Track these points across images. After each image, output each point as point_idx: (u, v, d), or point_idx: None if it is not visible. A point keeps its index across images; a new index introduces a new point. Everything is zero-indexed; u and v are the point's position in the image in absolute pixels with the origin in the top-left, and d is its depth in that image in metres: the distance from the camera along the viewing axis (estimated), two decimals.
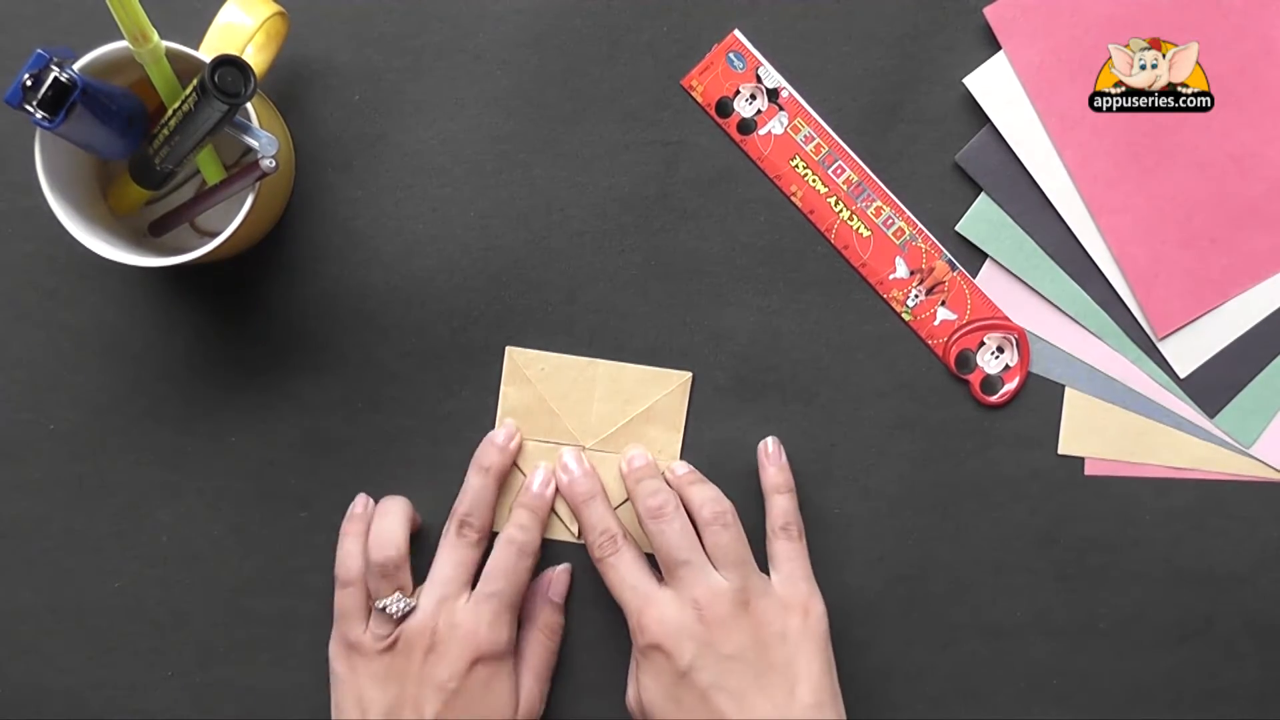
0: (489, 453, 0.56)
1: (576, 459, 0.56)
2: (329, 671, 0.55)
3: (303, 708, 0.57)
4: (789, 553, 0.54)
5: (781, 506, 0.55)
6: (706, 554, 0.53)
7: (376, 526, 0.54)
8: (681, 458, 0.57)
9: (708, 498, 0.54)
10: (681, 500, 0.55)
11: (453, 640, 0.52)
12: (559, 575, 0.57)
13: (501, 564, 0.54)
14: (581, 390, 0.57)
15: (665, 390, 0.57)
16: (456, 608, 0.53)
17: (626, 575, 0.53)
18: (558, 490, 0.56)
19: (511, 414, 0.57)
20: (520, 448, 0.57)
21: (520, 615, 0.55)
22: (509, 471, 0.56)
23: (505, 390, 0.57)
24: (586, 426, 0.57)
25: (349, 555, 0.55)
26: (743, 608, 0.51)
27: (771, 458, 0.56)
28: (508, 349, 0.57)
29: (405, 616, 0.53)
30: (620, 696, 0.56)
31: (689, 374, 0.57)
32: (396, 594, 0.53)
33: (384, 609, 0.53)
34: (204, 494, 0.58)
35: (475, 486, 0.55)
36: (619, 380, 0.57)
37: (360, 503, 0.57)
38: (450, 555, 0.54)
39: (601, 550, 0.54)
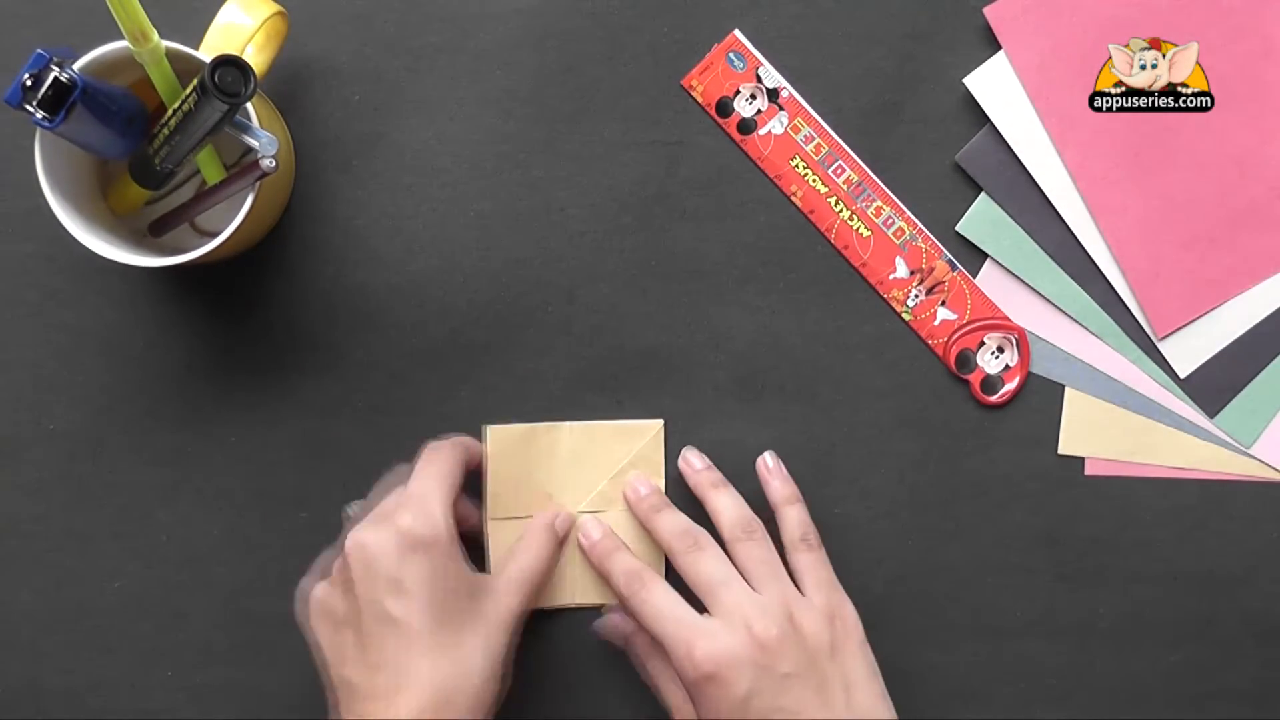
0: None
1: (595, 524, 0.56)
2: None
3: (303, 708, 0.57)
4: (812, 562, 0.52)
5: (795, 518, 0.54)
6: (738, 569, 0.52)
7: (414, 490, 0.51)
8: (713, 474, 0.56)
9: (735, 512, 0.53)
10: (702, 500, 0.54)
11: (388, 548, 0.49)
12: (564, 517, 0.56)
13: (435, 459, 0.52)
14: (559, 455, 0.57)
15: (641, 441, 0.57)
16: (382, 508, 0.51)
17: (663, 608, 0.51)
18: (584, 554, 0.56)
19: (500, 492, 0.56)
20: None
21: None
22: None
23: (492, 468, 0.56)
24: (570, 491, 0.57)
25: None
26: (789, 623, 0.49)
27: (773, 472, 0.55)
28: (488, 429, 0.56)
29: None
30: (620, 696, 0.56)
31: (660, 422, 0.57)
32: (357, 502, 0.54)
33: (345, 512, 0.54)
34: (204, 494, 0.58)
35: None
36: (593, 439, 0.57)
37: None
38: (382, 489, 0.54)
39: (630, 589, 0.52)
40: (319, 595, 0.51)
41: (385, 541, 0.49)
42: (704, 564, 0.51)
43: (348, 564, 0.50)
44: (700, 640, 0.49)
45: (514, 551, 0.54)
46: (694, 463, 0.56)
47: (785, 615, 0.50)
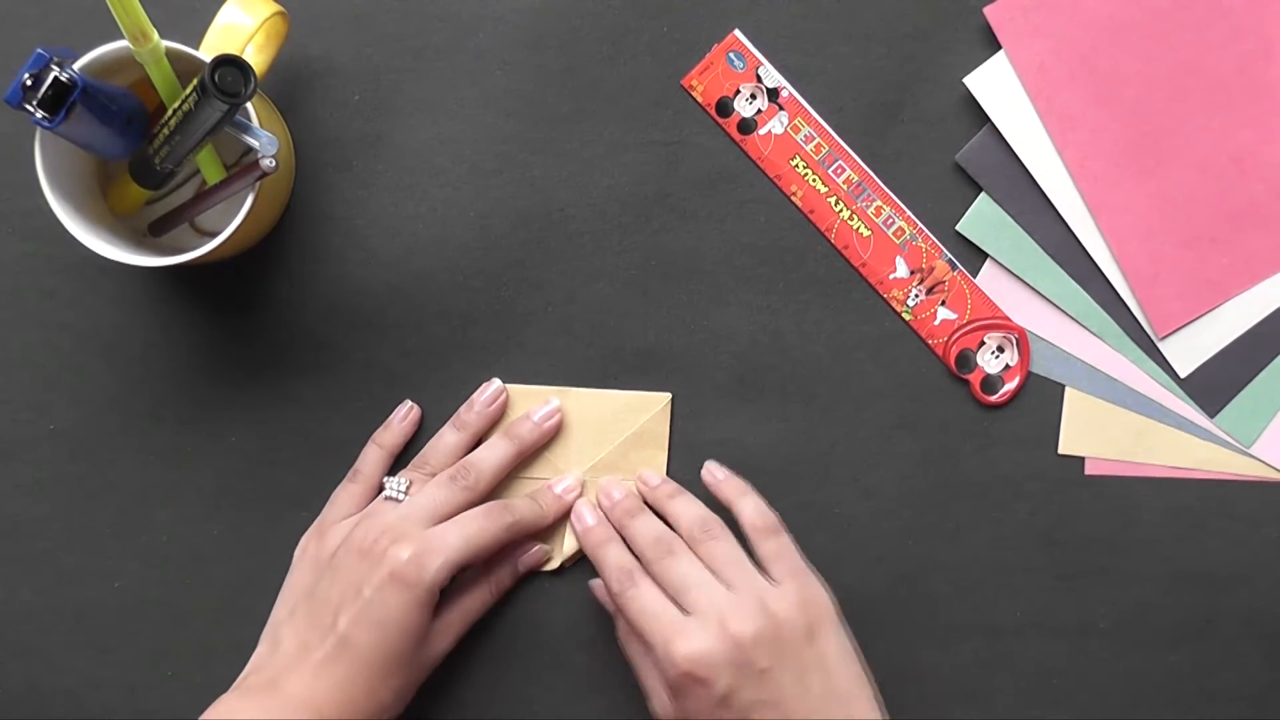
0: (465, 415, 0.57)
1: (591, 510, 0.56)
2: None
3: None
4: (777, 549, 0.53)
5: (751, 508, 0.54)
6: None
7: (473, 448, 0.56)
8: (680, 459, 0.57)
9: (693, 513, 0.54)
10: (661, 514, 0.55)
11: (387, 557, 0.52)
12: (535, 552, 0.57)
13: (479, 518, 0.53)
14: (565, 420, 0.57)
15: (649, 413, 0.57)
16: (407, 528, 0.52)
17: (647, 606, 0.51)
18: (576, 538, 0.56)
19: None
20: (504, 409, 0.57)
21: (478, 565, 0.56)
22: (484, 431, 0.57)
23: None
24: (574, 456, 0.57)
25: (370, 458, 0.57)
26: (764, 614, 0.50)
27: (717, 473, 0.56)
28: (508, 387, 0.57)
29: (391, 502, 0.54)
30: (620, 696, 0.56)
31: (669, 395, 0.57)
32: (399, 481, 0.55)
33: (383, 488, 0.55)
34: (204, 494, 0.58)
35: (448, 441, 0.56)
36: (600, 407, 0.57)
37: (402, 414, 0.57)
38: (435, 490, 0.54)
39: (620, 585, 0.52)
40: (321, 545, 0.54)
41: (381, 560, 0.51)
42: (680, 568, 0.52)
43: (353, 543, 0.52)
44: (678, 640, 0.49)
45: (457, 586, 0.55)
46: (649, 480, 0.56)
47: (759, 609, 0.50)
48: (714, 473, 0.56)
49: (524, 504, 0.55)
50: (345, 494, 0.56)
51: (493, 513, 0.54)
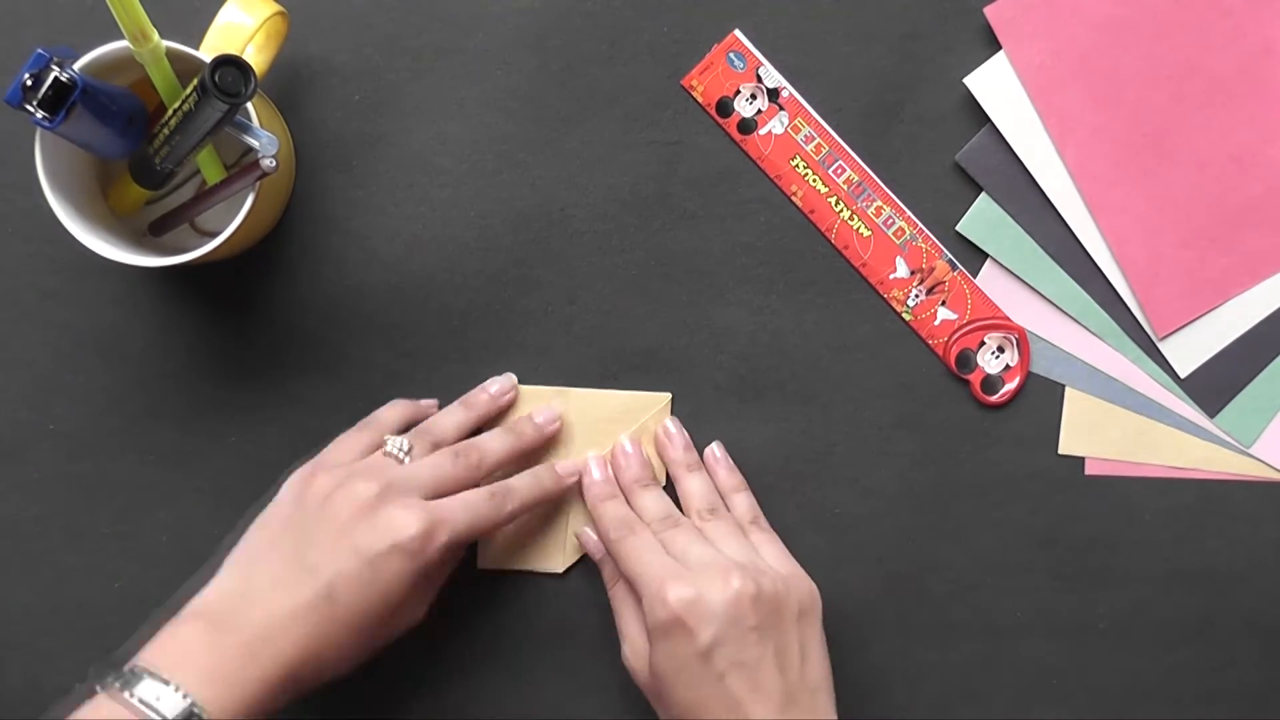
0: (478, 398, 0.56)
1: (601, 466, 0.56)
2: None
3: (303, 707, 0.57)
4: (767, 540, 0.54)
5: (744, 504, 0.55)
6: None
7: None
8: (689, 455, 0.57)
9: (704, 493, 0.55)
10: (675, 480, 0.56)
11: (385, 523, 0.50)
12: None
13: (485, 501, 0.52)
14: (565, 420, 0.57)
15: (649, 413, 0.57)
16: (408, 494, 0.51)
17: (645, 554, 0.51)
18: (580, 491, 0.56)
19: None
20: (513, 402, 0.57)
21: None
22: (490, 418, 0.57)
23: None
24: (574, 456, 0.57)
25: (387, 416, 0.56)
26: (763, 579, 0.50)
27: (719, 461, 0.56)
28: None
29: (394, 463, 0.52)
30: (620, 696, 0.56)
31: (669, 395, 0.57)
32: (402, 440, 0.53)
33: (384, 443, 0.53)
34: (204, 494, 0.58)
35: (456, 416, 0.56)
36: (600, 407, 0.57)
37: (431, 402, 0.57)
38: (440, 461, 0.53)
39: (618, 533, 0.52)
40: (313, 484, 0.51)
41: (383, 525, 0.49)
42: (680, 537, 0.52)
43: (351, 494, 0.50)
44: (674, 581, 0.49)
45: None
46: (670, 430, 0.57)
47: (758, 573, 0.50)
48: (715, 455, 0.56)
49: (524, 487, 0.54)
50: (352, 440, 0.54)
51: (497, 497, 0.53)
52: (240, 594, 0.49)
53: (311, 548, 0.49)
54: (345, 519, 0.49)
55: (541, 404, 0.57)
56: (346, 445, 0.54)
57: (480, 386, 0.57)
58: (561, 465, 0.56)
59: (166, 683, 0.45)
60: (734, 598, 0.48)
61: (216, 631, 0.47)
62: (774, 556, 0.53)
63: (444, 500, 0.51)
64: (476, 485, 0.53)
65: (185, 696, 0.44)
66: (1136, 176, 0.56)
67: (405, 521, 0.49)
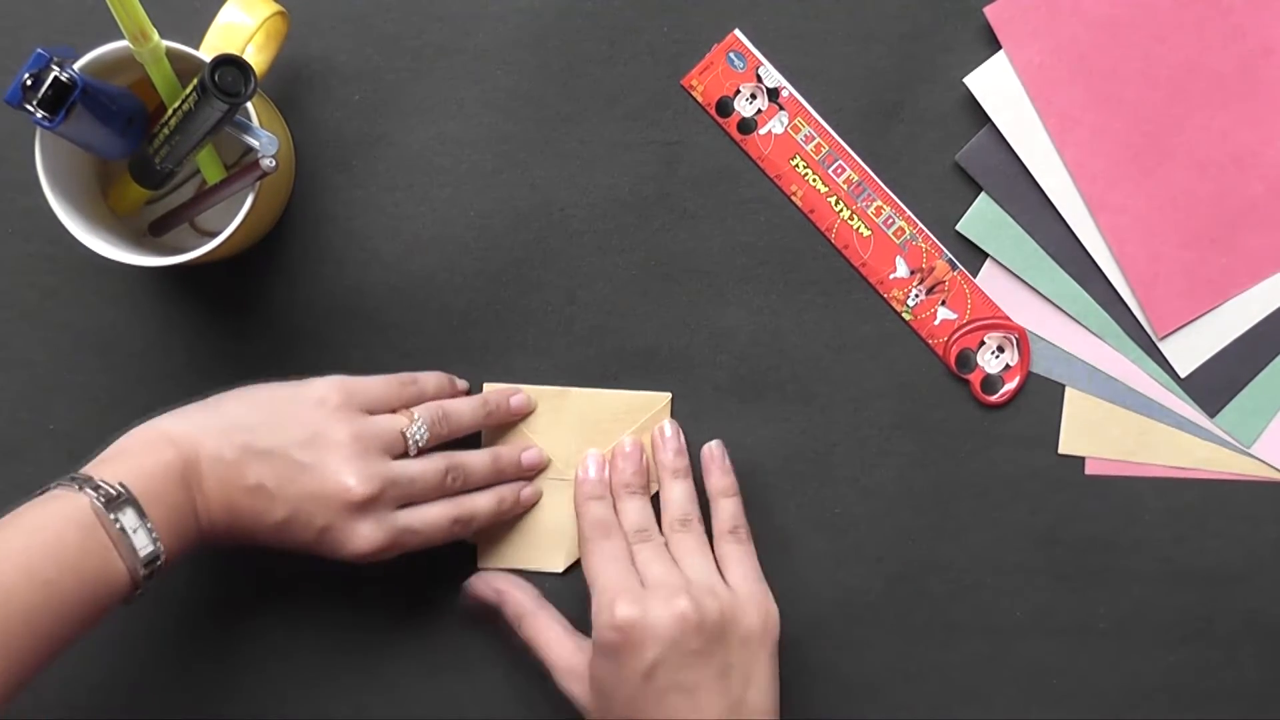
0: (499, 400, 0.57)
1: (598, 464, 0.56)
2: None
3: (304, 708, 0.57)
4: (739, 555, 0.54)
5: (729, 510, 0.55)
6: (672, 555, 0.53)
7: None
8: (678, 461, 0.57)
9: (682, 502, 0.55)
10: (660, 483, 0.56)
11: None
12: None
13: (444, 523, 0.53)
14: (562, 421, 0.57)
15: (649, 413, 0.57)
16: (389, 505, 0.52)
17: (609, 562, 0.52)
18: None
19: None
20: (523, 417, 0.57)
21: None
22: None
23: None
24: (574, 456, 0.57)
25: (431, 382, 0.56)
26: (710, 602, 0.50)
27: (716, 461, 0.56)
28: (484, 385, 0.57)
29: (408, 451, 0.53)
30: None
31: (669, 395, 0.57)
32: (424, 427, 0.53)
33: (405, 428, 0.53)
34: None
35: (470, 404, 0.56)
36: (600, 407, 0.57)
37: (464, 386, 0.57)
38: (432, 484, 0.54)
39: (593, 533, 0.53)
40: (333, 413, 0.52)
41: (351, 531, 0.50)
42: (643, 552, 0.53)
43: (355, 464, 0.50)
44: (624, 597, 0.50)
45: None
46: (665, 434, 0.56)
47: (708, 593, 0.50)
48: (713, 454, 0.56)
49: (486, 512, 0.55)
50: (392, 391, 0.54)
51: (458, 525, 0.54)
52: (198, 428, 0.50)
53: (287, 463, 0.50)
54: (328, 494, 0.50)
55: (531, 445, 0.57)
56: (381, 391, 0.54)
57: (503, 391, 0.57)
58: (526, 456, 0.56)
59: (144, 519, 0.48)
60: (677, 620, 0.49)
61: (167, 447, 0.49)
62: (740, 575, 0.53)
63: (411, 521, 0.52)
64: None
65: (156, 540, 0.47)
66: (1136, 176, 0.56)
67: (368, 539, 0.51)
